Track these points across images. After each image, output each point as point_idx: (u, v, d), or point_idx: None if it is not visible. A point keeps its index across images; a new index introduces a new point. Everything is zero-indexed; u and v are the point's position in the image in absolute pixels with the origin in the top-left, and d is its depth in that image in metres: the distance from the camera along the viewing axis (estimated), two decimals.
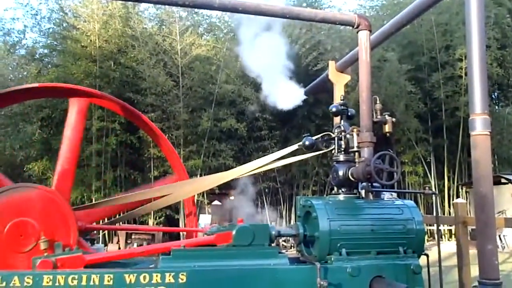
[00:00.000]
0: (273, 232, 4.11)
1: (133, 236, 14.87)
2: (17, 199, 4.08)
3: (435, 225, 16.64)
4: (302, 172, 19.38)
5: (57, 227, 4.13)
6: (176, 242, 4.72)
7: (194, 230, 5.72)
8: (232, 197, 19.01)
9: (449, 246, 14.76)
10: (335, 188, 4.70)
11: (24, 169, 16.60)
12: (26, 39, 21.04)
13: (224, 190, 18.06)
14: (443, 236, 19.08)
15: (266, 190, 19.10)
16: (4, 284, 3.49)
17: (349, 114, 4.72)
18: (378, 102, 4.69)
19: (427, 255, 4.49)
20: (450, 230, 18.93)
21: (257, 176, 18.06)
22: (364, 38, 4.77)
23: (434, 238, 18.19)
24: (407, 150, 19.30)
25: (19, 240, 3.98)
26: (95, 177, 16.79)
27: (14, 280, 3.50)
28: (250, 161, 5.68)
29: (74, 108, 4.83)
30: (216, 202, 12.22)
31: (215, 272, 3.80)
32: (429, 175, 19.63)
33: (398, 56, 18.32)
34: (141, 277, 3.64)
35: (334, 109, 4.88)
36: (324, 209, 4.17)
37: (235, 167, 5.96)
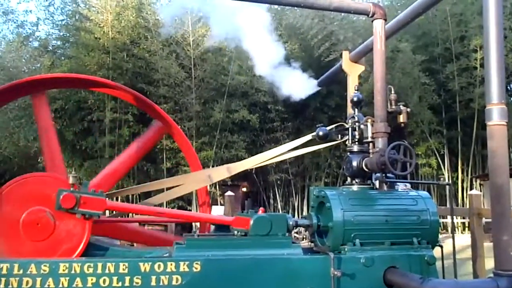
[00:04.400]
0: (291, 222, 4.13)
1: (145, 226, 14.95)
2: (34, 187, 4.12)
3: (448, 217, 16.54)
4: (314, 163, 19.32)
5: (71, 217, 4.15)
6: (195, 214, 4.82)
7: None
8: (244, 188, 19.07)
9: (462, 239, 14.65)
10: (349, 179, 4.70)
11: (38, 160, 16.74)
12: (39, 31, 21.32)
13: (236, 181, 18.11)
14: (456, 229, 18.95)
15: (278, 181, 19.08)
16: (21, 271, 3.54)
17: (354, 99, 4.68)
18: (392, 92, 4.66)
19: (441, 246, 4.47)
20: (463, 223, 18.82)
21: (269, 168, 18.07)
22: (379, 27, 4.73)
23: (447, 230, 18.09)
24: (420, 142, 19.13)
25: (36, 229, 4.01)
26: None
27: (31, 268, 3.56)
28: (262, 153, 5.66)
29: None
30: (229, 193, 12.24)
31: (229, 261, 3.82)
32: (442, 167, 19.47)
33: (412, 47, 18.13)
34: (156, 266, 3.68)
35: (355, 99, 4.84)
36: (337, 199, 4.17)
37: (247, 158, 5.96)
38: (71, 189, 4.03)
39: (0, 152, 19.31)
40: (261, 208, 4.50)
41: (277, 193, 19.51)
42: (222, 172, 5.26)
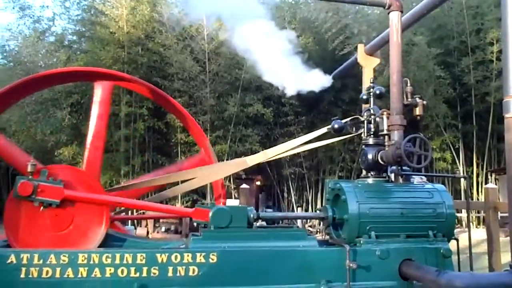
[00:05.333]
0: (252, 215, 4.12)
1: (161, 220, 15.07)
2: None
3: (463, 211, 16.36)
4: (328, 157, 19.30)
5: (90, 208, 4.20)
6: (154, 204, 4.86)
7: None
8: (258, 182, 19.10)
9: (477, 234, 14.56)
10: (364, 172, 4.70)
11: (55, 154, 16.94)
12: (55, 26, 21.35)
13: (250, 175, 18.17)
14: (471, 223, 18.78)
15: (292, 175, 19.10)
16: (41, 261, 3.61)
17: (377, 92, 4.67)
18: (408, 84, 4.64)
19: (457, 240, 4.46)
20: (478, 217, 18.67)
21: (283, 161, 18.09)
22: (395, 19, 4.70)
23: (461, 225, 17.96)
24: (435, 136, 18.98)
25: (55, 220, 4.08)
26: (124, 162, 17.03)
27: (51, 258, 3.62)
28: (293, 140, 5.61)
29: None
30: (244, 186, 12.29)
31: (245, 253, 3.86)
32: (457, 161, 19.32)
33: (427, 40, 17.94)
34: (173, 257, 3.72)
35: (365, 97, 4.87)
36: (353, 192, 4.18)
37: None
38: (29, 177, 3.99)
39: (18, 146, 19.54)
40: (223, 201, 4.51)
41: (291, 186, 19.53)
42: (259, 156, 5.26)
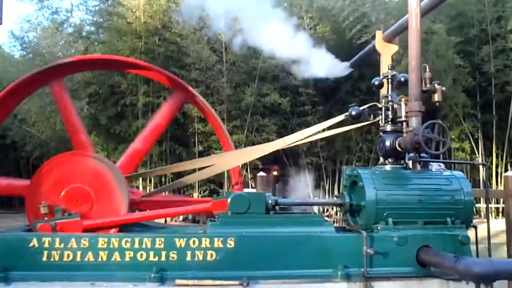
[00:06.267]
0: (270, 201, 4.13)
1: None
2: (73, 166, 4.25)
3: (481, 200, 16.15)
4: (345, 147, 19.22)
5: (109, 193, 4.27)
6: (171, 210, 4.87)
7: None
8: (275, 172, 19.11)
9: (496, 224, 14.39)
10: (381, 159, 4.68)
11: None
12: (73, 17, 21.66)
13: (267, 165, 18.18)
14: (489, 214, 18.53)
15: (309, 165, 19.06)
16: (62, 245, 3.69)
17: (402, 80, 4.66)
18: (427, 70, 4.60)
19: (476, 227, 4.43)
20: (497, 208, 18.47)
21: (300, 151, 18.06)
22: (414, 4, 4.63)
23: (480, 216, 17.78)
24: (454, 126, 18.75)
25: (74, 205, 4.15)
26: None
27: (72, 242, 3.70)
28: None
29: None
30: (261, 173, 12.30)
31: (262, 238, 3.89)
32: (476, 151, 19.09)
33: (446, 28, 17.69)
34: (191, 242, 3.77)
35: (376, 82, 4.85)
36: (370, 178, 4.17)
37: None
38: (45, 218, 4.00)
39: (38, 137, 19.83)
40: (237, 186, 4.50)
41: (308, 176, 19.48)
42: (297, 136, 5.25)
